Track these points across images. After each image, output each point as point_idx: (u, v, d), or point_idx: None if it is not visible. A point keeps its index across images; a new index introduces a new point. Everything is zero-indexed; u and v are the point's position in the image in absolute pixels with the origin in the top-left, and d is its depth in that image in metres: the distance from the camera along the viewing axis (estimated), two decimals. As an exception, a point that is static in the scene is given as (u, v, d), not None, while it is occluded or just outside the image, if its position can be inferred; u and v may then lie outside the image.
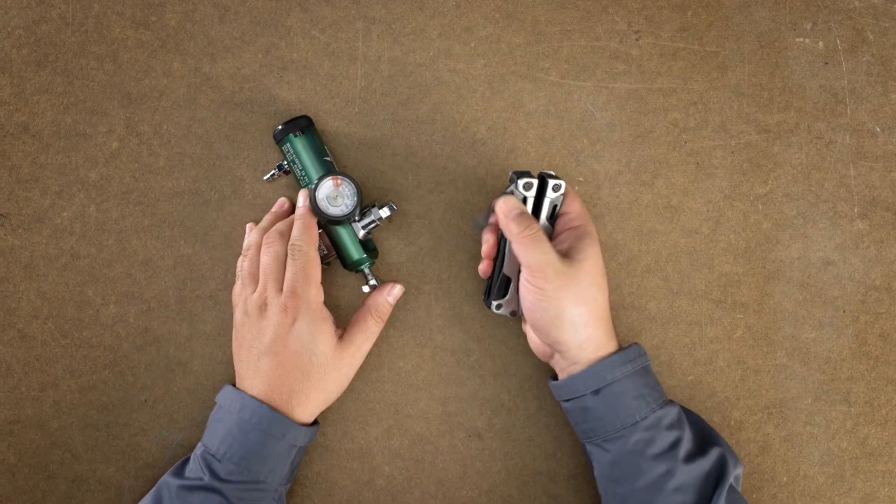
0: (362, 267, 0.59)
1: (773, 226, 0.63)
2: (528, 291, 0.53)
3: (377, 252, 0.61)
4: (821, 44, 0.63)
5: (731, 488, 0.52)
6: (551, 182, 0.55)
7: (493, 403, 0.62)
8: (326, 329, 0.55)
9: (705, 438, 0.55)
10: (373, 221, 0.58)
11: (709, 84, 0.63)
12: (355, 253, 0.59)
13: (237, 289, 0.58)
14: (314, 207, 0.56)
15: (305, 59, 0.63)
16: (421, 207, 0.62)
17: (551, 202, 0.56)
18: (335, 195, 0.56)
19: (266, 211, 0.62)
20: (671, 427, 0.52)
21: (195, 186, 0.62)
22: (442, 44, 0.63)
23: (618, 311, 0.62)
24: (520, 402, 0.62)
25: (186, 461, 0.56)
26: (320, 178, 0.57)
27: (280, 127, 0.58)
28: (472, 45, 0.63)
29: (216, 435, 0.54)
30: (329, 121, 0.63)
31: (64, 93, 0.62)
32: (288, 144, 0.59)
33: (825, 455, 0.61)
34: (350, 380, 0.58)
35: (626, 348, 0.54)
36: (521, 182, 0.55)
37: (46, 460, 0.61)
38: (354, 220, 0.58)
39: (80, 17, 0.62)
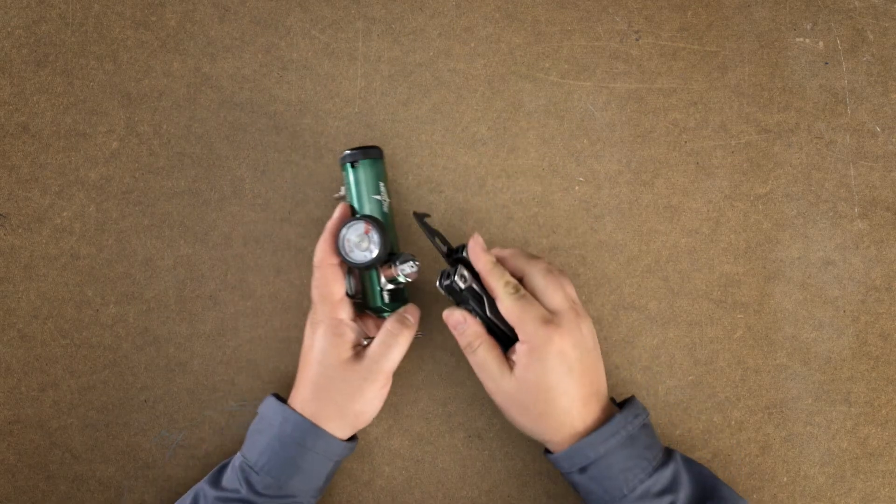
0: (382, 315, 0.58)
1: (774, 226, 0.63)
2: (504, 396, 0.54)
3: (406, 302, 0.59)
4: (821, 44, 0.63)
5: None
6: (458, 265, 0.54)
7: (494, 403, 0.62)
8: (339, 343, 0.55)
9: (705, 494, 0.53)
10: (394, 279, 0.56)
11: (709, 84, 0.63)
12: (371, 299, 0.57)
13: None
14: (337, 246, 0.55)
15: (305, 59, 0.63)
16: (421, 207, 0.62)
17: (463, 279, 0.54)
18: (360, 240, 0.55)
19: (264, 211, 0.62)
20: (662, 493, 0.52)
21: (195, 186, 0.62)
22: (442, 44, 0.63)
23: (618, 311, 0.62)
24: (520, 402, 0.62)
25: (223, 468, 0.56)
26: (355, 219, 0.55)
27: (347, 152, 0.57)
28: (472, 45, 0.63)
29: (256, 446, 0.54)
30: (329, 121, 0.63)
31: (64, 93, 0.62)
32: (344, 172, 0.57)
33: (825, 455, 0.61)
34: (378, 395, 0.56)
35: (610, 420, 0.52)
36: (456, 278, 0.54)
37: (46, 460, 0.61)
38: (378, 268, 0.56)
39: (80, 17, 0.62)
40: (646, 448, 0.53)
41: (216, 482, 0.55)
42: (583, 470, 0.53)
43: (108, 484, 0.61)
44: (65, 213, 0.62)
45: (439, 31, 0.63)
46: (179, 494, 0.61)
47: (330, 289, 0.55)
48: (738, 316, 0.62)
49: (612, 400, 0.56)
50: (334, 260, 0.55)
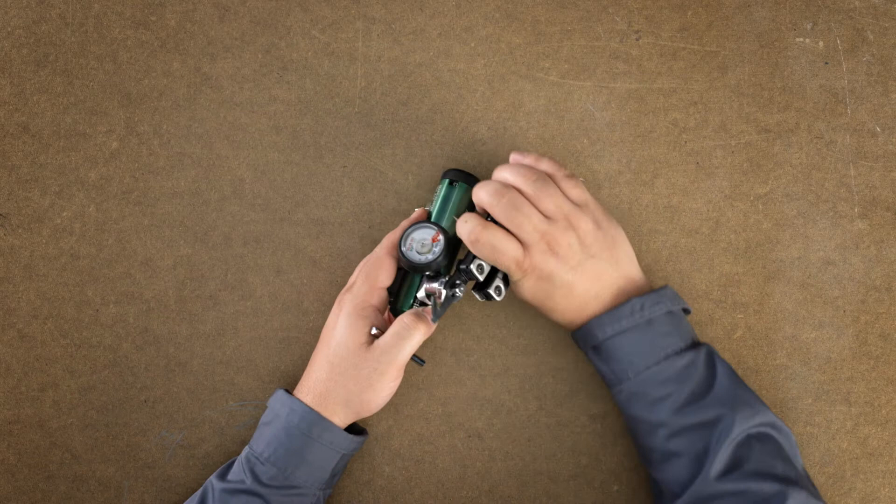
0: None
1: (774, 226, 0.63)
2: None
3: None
4: (821, 44, 0.63)
5: (753, 438, 0.50)
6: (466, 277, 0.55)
7: (493, 403, 0.62)
8: (360, 326, 0.55)
9: (712, 391, 0.52)
10: (431, 295, 0.57)
11: (709, 84, 0.63)
12: (404, 303, 0.58)
13: None
14: (399, 242, 0.56)
15: (305, 59, 0.63)
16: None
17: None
18: (423, 244, 0.56)
19: (264, 211, 0.62)
20: (665, 381, 0.52)
21: (195, 186, 0.62)
22: (442, 44, 0.63)
23: (618, 311, 0.62)
24: (520, 402, 0.62)
25: (232, 463, 0.56)
26: (429, 223, 0.56)
27: (450, 169, 0.58)
28: (472, 45, 0.63)
29: (263, 437, 0.55)
30: (329, 121, 0.63)
31: (64, 93, 0.62)
32: (442, 185, 0.59)
33: (825, 455, 0.61)
34: (375, 386, 0.55)
35: (624, 304, 0.54)
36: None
37: (46, 460, 0.61)
38: (425, 277, 0.57)
39: (80, 17, 0.62)
40: (662, 335, 0.53)
41: (224, 475, 0.55)
42: (595, 349, 0.55)
43: (108, 484, 0.61)
44: (65, 213, 0.62)
45: (439, 31, 0.63)
46: (179, 494, 0.61)
47: (377, 272, 0.56)
48: (738, 316, 0.62)
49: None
50: (394, 252, 0.57)
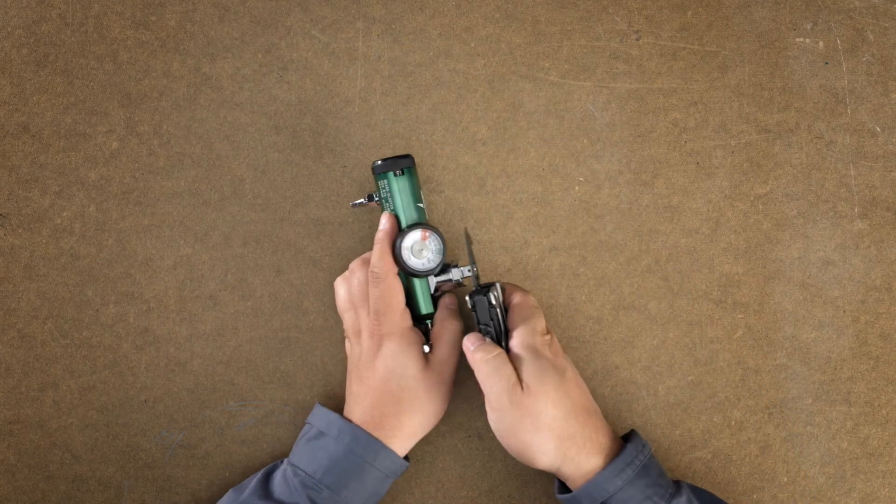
0: (429, 321, 0.58)
1: (774, 226, 0.63)
2: (491, 422, 0.53)
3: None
4: (821, 44, 0.63)
5: None
6: (492, 294, 0.54)
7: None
8: (414, 353, 0.55)
9: None
10: (448, 281, 0.56)
11: (709, 84, 0.63)
12: (424, 307, 0.57)
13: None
14: (396, 255, 0.55)
15: (305, 59, 0.63)
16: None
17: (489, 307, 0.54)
18: (420, 248, 0.55)
19: (264, 211, 0.62)
20: None
21: (195, 186, 0.62)
22: (442, 44, 0.63)
23: (618, 311, 0.62)
24: (520, 402, 0.62)
25: (267, 479, 0.55)
26: (409, 227, 0.55)
27: (380, 162, 0.56)
28: (472, 45, 0.63)
29: (316, 459, 0.54)
30: (329, 121, 0.63)
31: (64, 93, 0.62)
32: (385, 181, 0.57)
33: (825, 455, 0.61)
34: (447, 399, 0.56)
35: (620, 455, 0.52)
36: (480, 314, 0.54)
37: (46, 460, 0.61)
38: (445, 275, 0.57)
39: (80, 17, 0.62)
40: (659, 475, 0.53)
41: (267, 495, 0.54)
42: None
43: (108, 484, 0.61)
44: (65, 213, 0.62)
45: (439, 31, 0.63)
46: (179, 494, 0.61)
47: (395, 299, 0.55)
48: (738, 316, 0.62)
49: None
50: (395, 269, 0.55)
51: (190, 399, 0.62)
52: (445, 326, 0.56)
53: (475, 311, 0.54)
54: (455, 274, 0.56)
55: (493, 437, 0.61)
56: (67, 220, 0.62)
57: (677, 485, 0.54)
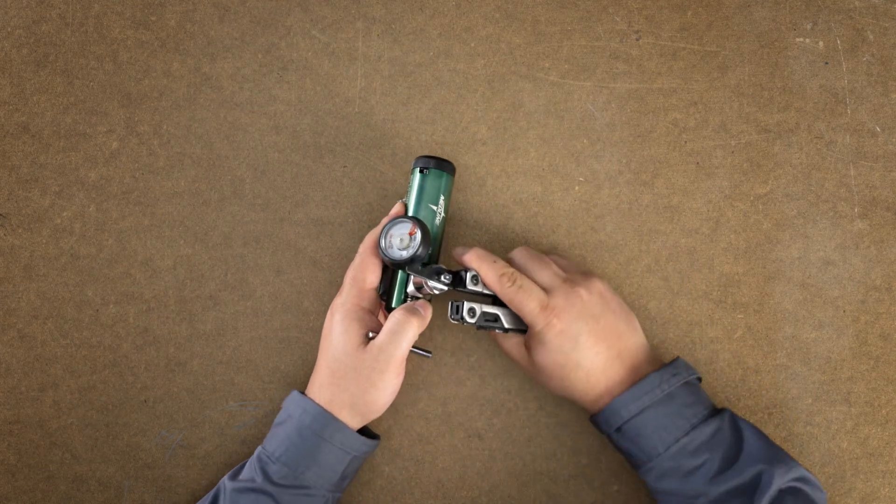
0: None
1: (774, 226, 0.63)
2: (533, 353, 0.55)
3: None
4: (821, 44, 0.63)
5: (786, 493, 0.51)
6: (468, 274, 0.55)
7: (493, 403, 0.62)
8: (354, 330, 0.55)
9: (743, 453, 0.53)
10: (421, 287, 0.56)
11: (709, 84, 0.63)
12: (396, 301, 0.57)
13: None
14: (379, 241, 0.56)
15: (305, 59, 0.63)
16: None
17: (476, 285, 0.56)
18: (405, 240, 0.55)
19: (264, 211, 0.62)
20: (698, 450, 0.52)
21: (195, 186, 0.62)
22: (442, 44, 0.63)
23: (618, 311, 0.62)
24: (520, 402, 0.62)
25: (245, 464, 0.56)
26: (407, 217, 0.56)
27: (420, 157, 0.58)
28: (472, 45, 0.63)
29: (275, 437, 0.55)
30: (329, 121, 0.63)
31: (64, 93, 0.62)
32: (412, 175, 0.58)
33: (825, 455, 0.61)
34: (385, 390, 0.55)
35: (643, 379, 0.53)
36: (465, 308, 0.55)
37: (46, 460, 0.61)
38: (413, 272, 0.56)
39: (80, 17, 0.62)
40: (686, 406, 0.53)
41: (235, 475, 0.55)
42: (619, 430, 0.54)
43: (108, 484, 0.61)
44: (65, 213, 0.62)
45: (439, 31, 0.63)
46: (179, 494, 0.61)
47: (364, 275, 0.56)
48: (738, 316, 0.62)
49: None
50: (376, 251, 0.56)
51: (190, 399, 0.62)
52: (393, 316, 0.55)
53: (475, 302, 0.56)
54: (431, 281, 0.56)
55: (493, 437, 0.61)
56: (67, 220, 0.62)
57: (716, 413, 0.54)
